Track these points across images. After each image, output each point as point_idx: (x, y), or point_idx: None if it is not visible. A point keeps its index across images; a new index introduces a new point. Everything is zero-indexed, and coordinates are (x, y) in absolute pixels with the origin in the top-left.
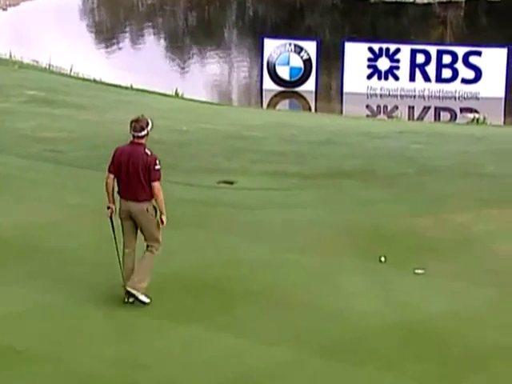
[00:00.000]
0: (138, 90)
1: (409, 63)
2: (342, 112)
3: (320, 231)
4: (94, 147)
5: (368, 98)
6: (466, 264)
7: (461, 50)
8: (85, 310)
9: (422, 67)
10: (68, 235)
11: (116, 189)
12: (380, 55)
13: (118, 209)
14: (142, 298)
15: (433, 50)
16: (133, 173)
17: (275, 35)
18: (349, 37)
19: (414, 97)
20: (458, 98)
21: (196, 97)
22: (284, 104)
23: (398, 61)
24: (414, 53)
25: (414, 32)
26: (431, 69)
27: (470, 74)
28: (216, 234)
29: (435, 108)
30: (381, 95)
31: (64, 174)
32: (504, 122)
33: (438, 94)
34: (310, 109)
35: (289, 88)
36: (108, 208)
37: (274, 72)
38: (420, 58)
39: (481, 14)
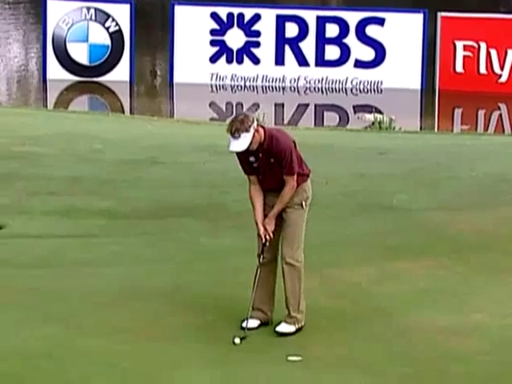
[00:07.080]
0: None
1: (274, 37)
2: (172, 114)
3: (141, 304)
4: None
5: (213, 91)
6: (362, 346)
7: (353, 17)
8: None
9: (294, 43)
10: None
11: None
12: (230, 25)
13: None
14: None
15: (310, 16)
16: None
17: None
18: None
19: (283, 89)
20: (351, 91)
21: None
22: (81, 102)
23: (257, 34)
24: (281, 21)
25: None
26: (308, 46)
27: (367, 54)
28: None
29: (316, 106)
30: (232, 87)
31: None
32: (421, 127)
33: (319, 85)
34: (122, 110)
35: (89, 77)
36: None
37: (65, 52)
38: (291, 30)
39: None
